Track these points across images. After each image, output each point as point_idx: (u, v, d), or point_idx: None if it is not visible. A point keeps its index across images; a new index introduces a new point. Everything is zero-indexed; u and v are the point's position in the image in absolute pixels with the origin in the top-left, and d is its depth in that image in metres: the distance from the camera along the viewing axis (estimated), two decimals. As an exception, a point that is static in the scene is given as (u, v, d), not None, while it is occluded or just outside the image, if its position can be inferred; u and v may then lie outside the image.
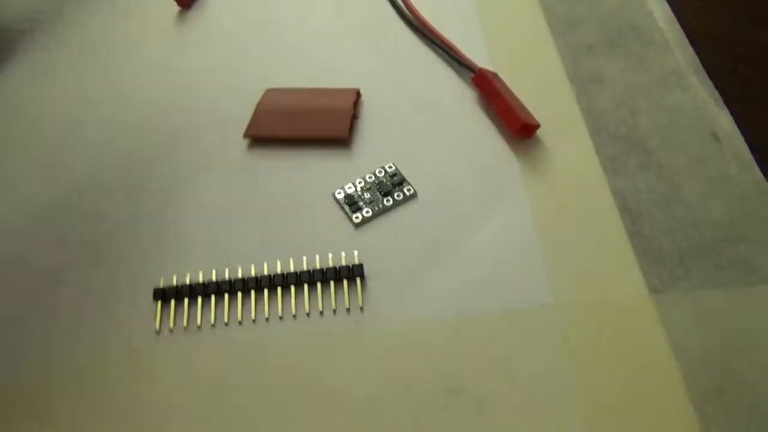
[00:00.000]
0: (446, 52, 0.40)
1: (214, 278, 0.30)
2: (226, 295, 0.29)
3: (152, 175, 0.35)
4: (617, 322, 0.28)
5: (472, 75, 0.38)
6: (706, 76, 0.38)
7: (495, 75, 0.38)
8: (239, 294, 0.29)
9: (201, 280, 0.30)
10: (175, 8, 0.45)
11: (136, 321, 0.29)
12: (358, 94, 0.37)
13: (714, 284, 0.29)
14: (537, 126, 0.35)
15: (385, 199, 0.33)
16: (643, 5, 0.42)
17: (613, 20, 0.42)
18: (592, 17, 0.42)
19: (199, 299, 0.29)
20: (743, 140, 0.34)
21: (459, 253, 0.31)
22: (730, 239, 0.31)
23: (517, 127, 0.34)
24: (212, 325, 0.29)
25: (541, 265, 0.30)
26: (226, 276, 0.30)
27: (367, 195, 0.33)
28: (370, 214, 0.32)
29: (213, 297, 0.29)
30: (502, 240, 0.31)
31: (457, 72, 0.39)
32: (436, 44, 0.40)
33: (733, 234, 0.31)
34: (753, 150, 0.34)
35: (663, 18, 0.41)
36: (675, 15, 0.41)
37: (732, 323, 0.28)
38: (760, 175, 0.33)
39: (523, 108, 0.36)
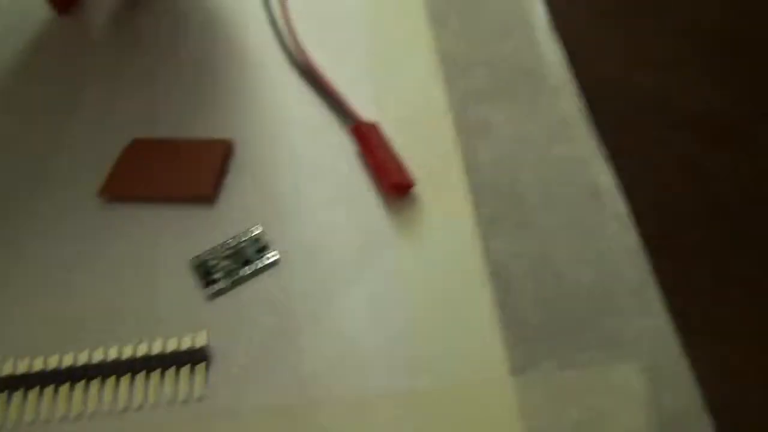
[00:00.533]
0: (328, 99, 0.38)
1: (30, 367, 0.27)
2: (48, 387, 0.27)
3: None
4: (474, 407, 0.27)
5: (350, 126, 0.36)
6: (593, 125, 0.37)
7: (374, 126, 0.36)
8: (65, 384, 0.27)
9: (16, 369, 0.27)
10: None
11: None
12: (229, 146, 0.35)
13: (575, 364, 0.28)
14: (410, 186, 0.33)
15: (244, 268, 0.31)
16: (539, 49, 0.41)
17: (507, 65, 0.40)
18: (487, 61, 0.40)
19: (6, 393, 0.27)
20: (622, 198, 0.33)
21: (318, 328, 0.29)
22: (598, 310, 0.29)
23: (388, 186, 0.33)
24: (30, 423, 0.26)
25: (403, 343, 0.28)
26: (48, 363, 0.27)
27: (225, 263, 0.31)
28: (225, 285, 0.30)
29: (33, 389, 0.27)
30: (366, 313, 0.30)
31: (342, 121, 0.37)
32: (320, 89, 0.38)
33: (602, 304, 0.30)
34: (631, 208, 0.33)
35: (556, 62, 0.40)
36: (568, 59, 0.40)
37: (589, 403, 0.27)
38: (634, 237, 0.32)
39: (400, 165, 0.34)
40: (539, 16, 0.43)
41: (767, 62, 0.37)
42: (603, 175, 0.34)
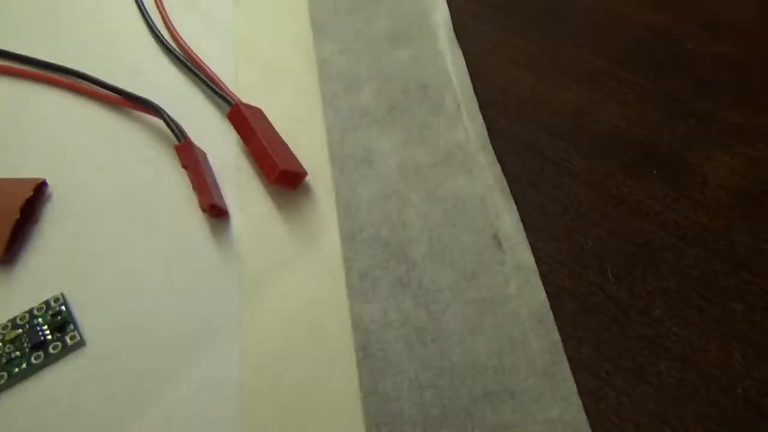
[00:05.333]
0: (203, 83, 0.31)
1: None
2: None
3: None
4: None
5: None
6: (494, 154, 0.31)
7: (258, 110, 0.31)
8: None
9: None
10: None
11: None
12: (39, 186, 0.28)
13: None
14: (302, 175, 0.29)
15: (34, 355, 0.23)
16: (440, 60, 0.35)
17: (400, 77, 0.34)
18: (376, 73, 0.34)
19: None
20: (527, 244, 0.27)
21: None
22: (492, 394, 0.23)
23: (277, 175, 0.27)
24: None
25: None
26: None
27: (9, 348, 0.23)
28: (3, 380, 0.23)
29: None
30: (194, 412, 0.22)
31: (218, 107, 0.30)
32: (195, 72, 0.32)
33: (497, 385, 0.23)
34: (539, 258, 0.27)
35: (458, 74, 0.34)
36: (471, 70, 0.34)
37: None
38: (542, 294, 0.26)
39: (290, 153, 0.29)
40: (443, 18, 0.37)
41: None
42: (506, 215, 0.28)
